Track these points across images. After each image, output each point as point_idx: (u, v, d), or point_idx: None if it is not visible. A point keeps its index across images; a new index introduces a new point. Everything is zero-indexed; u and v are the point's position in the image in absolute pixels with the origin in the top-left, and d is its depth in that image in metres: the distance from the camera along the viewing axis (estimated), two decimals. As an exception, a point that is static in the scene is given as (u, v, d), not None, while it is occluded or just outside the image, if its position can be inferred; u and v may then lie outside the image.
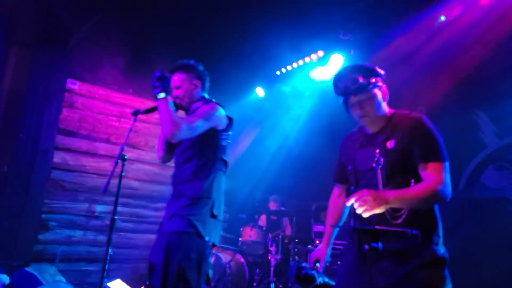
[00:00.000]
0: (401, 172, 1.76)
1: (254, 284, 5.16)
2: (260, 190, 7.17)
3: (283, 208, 5.73)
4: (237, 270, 5.01)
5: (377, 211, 1.55)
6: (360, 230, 1.55)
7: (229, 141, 2.60)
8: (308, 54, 5.74)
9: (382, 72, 1.91)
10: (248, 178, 6.86)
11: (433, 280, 1.64)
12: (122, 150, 3.15)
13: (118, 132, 5.63)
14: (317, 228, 5.27)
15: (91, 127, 5.52)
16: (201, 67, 2.69)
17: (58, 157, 5.21)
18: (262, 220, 6.18)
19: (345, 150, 2.07)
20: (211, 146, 2.46)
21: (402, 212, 1.71)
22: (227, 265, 4.74)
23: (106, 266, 2.95)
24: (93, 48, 5.48)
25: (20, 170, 4.71)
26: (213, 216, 2.40)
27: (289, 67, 6.10)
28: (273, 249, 5.15)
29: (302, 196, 7.28)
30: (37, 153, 4.86)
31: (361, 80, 1.79)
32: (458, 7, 4.40)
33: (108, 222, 3.28)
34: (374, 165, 1.81)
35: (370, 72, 1.86)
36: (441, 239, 1.77)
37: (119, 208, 5.51)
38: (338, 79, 1.89)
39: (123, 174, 3.17)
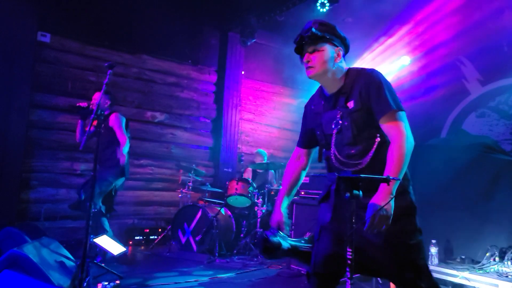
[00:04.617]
0: (366, 128, 1.80)
1: (242, 235, 5.27)
2: (246, 144, 7.15)
3: (268, 162, 5.76)
4: (224, 223, 5.09)
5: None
6: (342, 179, 1.54)
7: None
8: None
9: (342, 35, 1.91)
10: (233, 132, 6.80)
11: (406, 230, 1.73)
12: (98, 106, 3.04)
13: (96, 87, 5.40)
14: (303, 179, 5.38)
15: (67, 82, 5.29)
16: None
17: (34, 115, 5.03)
18: (247, 172, 6.21)
19: (310, 116, 2.08)
20: None
21: (361, 161, 1.77)
22: (214, 218, 4.79)
23: (90, 222, 2.94)
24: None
25: (-6, 129, 4.53)
26: None
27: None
28: (259, 201, 5.22)
29: (289, 149, 7.31)
30: (11, 111, 4.66)
31: (314, 30, 1.83)
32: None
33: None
34: (333, 127, 1.86)
35: (327, 28, 1.88)
36: (411, 184, 1.82)
37: (101, 165, 5.49)
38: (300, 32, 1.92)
39: (101, 131, 3.10)
